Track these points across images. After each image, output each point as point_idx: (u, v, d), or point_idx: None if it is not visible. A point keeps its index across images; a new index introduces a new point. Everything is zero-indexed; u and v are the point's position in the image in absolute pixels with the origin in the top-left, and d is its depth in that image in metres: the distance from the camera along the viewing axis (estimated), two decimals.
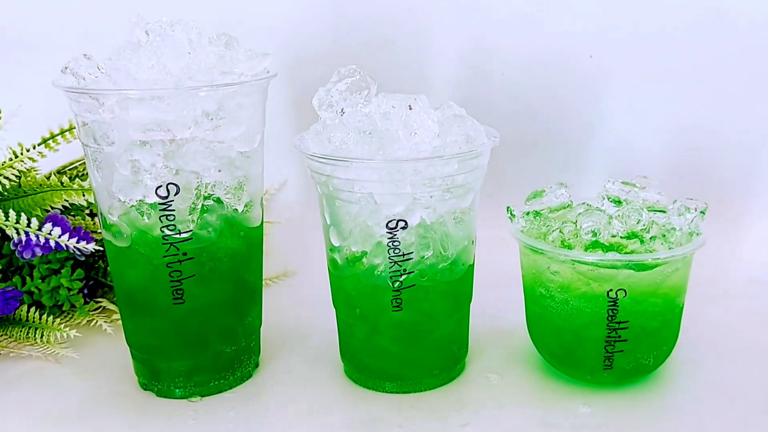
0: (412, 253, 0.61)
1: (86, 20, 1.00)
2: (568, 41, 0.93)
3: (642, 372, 0.65)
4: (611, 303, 0.61)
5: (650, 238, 0.62)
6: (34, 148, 0.79)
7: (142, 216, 0.60)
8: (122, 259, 0.63)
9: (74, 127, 0.75)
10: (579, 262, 0.61)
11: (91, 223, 0.81)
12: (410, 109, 0.59)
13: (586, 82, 0.94)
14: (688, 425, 0.61)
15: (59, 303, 0.80)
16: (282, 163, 1.01)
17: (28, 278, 0.79)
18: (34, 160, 0.79)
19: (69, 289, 0.79)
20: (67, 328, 0.74)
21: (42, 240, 0.72)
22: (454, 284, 0.64)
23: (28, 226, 0.72)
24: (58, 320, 0.76)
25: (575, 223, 0.64)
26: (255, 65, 0.62)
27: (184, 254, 0.61)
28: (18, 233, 0.72)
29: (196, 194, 0.60)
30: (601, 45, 0.93)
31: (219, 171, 0.61)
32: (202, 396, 0.66)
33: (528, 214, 0.67)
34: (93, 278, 0.84)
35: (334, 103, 0.62)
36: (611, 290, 0.60)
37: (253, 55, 0.62)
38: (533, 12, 0.93)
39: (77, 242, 0.72)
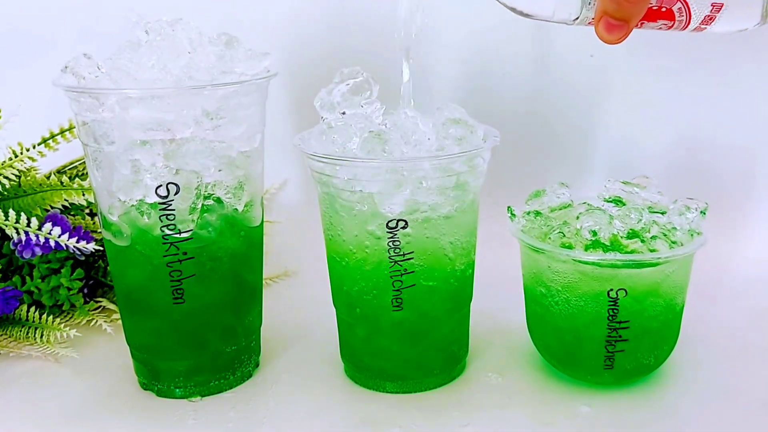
0: (413, 252, 0.61)
1: (86, 20, 1.00)
2: (569, 40, 0.93)
3: (643, 372, 0.65)
4: (612, 302, 0.61)
5: (651, 238, 0.62)
6: (34, 147, 0.79)
7: (142, 216, 0.60)
8: (122, 259, 0.63)
9: (74, 127, 0.75)
10: (579, 261, 0.61)
11: (91, 222, 0.81)
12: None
13: (587, 82, 0.94)
14: (689, 425, 0.61)
15: (59, 303, 0.80)
16: (282, 163, 1.01)
17: (28, 278, 0.79)
18: (34, 160, 0.79)
19: (69, 289, 0.79)
20: (67, 328, 0.74)
21: (42, 240, 0.72)
22: (455, 284, 0.64)
23: (28, 225, 0.72)
24: (58, 320, 0.76)
25: (577, 218, 0.64)
26: (255, 65, 0.62)
27: (184, 254, 0.61)
28: (18, 233, 0.72)
29: (196, 194, 0.60)
30: (602, 44, 0.93)
31: (219, 170, 0.61)
32: (202, 396, 0.66)
33: (528, 213, 0.67)
34: (93, 278, 0.84)
35: (335, 104, 0.62)
36: (612, 290, 0.60)
37: (252, 54, 0.62)
38: None
39: (77, 242, 0.72)
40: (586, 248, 0.62)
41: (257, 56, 0.62)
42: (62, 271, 0.80)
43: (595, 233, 0.62)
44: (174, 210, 0.60)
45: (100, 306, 0.82)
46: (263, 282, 0.72)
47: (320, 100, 0.63)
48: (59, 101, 0.62)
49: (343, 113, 0.62)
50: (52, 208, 0.77)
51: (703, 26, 0.55)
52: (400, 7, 0.61)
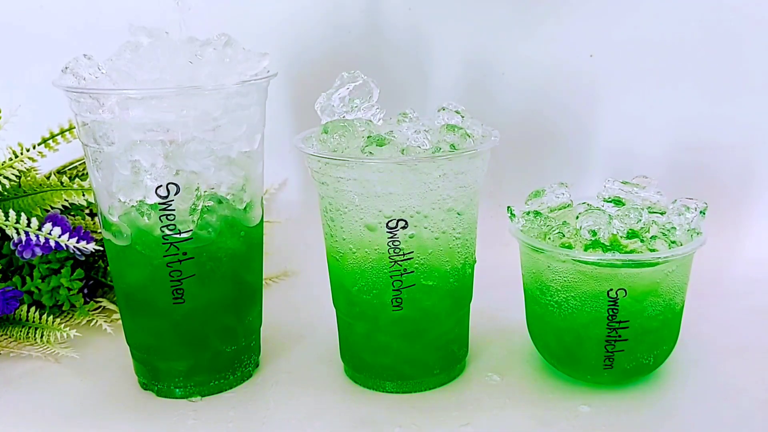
0: (413, 252, 0.61)
1: (86, 20, 1.00)
2: (569, 40, 0.93)
3: (642, 371, 0.65)
4: (611, 302, 0.61)
5: (650, 237, 0.62)
6: (34, 148, 0.79)
7: (143, 216, 0.60)
8: (122, 259, 0.63)
9: (74, 127, 0.75)
10: (579, 261, 0.61)
11: (91, 223, 0.81)
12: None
13: (587, 82, 0.94)
14: (688, 425, 0.61)
15: (59, 303, 0.80)
16: (282, 163, 1.01)
17: (28, 278, 0.79)
18: (34, 160, 0.79)
19: (69, 289, 0.79)
20: (67, 328, 0.74)
21: (42, 240, 0.72)
22: (454, 284, 0.64)
23: (28, 226, 0.72)
24: (58, 320, 0.76)
25: (577, 218, 0.64)
26: (254, 65, 0.62)
27: (184, 254, 0.61)
28: (18, 233, 0.72)
29: (196, 194, 0.60)
30: (601, 45, 0.93)
31: (219, 171, 0.61)
32: (202, 396, 0.66)
33: (528, 213, 0.67)
34: (93, 278, 0.84)
35: (335, 108, 0.62)
36: (611, 290, 0.60)
37: (251, 54, 0.62)
38: (533, 12, 0.93)
39: (77, 242, 0.72)
40: (586, 248, 0.62)
41: (256, 56, 0.62)
42: (62, 271, 0.80)
43: (594, 233, 0.62)
44: (174, 210, 0.60)
45: (100, 306, 0.82)
46: (263, 282, 0.72)
47: (320, 105, 0.63)
48: (59, 101, 0.62)
49: (343, 117, 0.62)
50: (52, 208, 0.77)
51: None
52: None
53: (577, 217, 0.64)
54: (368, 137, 0.59)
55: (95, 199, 0.64)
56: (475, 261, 0.67)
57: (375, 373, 0.66)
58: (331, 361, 0.71)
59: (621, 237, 0.62)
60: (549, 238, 0.64)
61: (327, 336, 0.74)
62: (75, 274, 0.80)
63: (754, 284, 0.86)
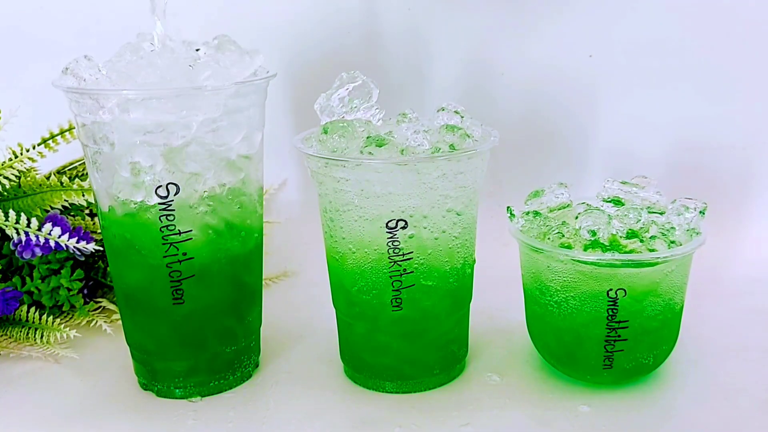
0: (412, 252, 0.61)
1: (86, 21, 1.00)
2: (568, 41, 0.93)
3: (642, 371, 0.65)
4: (611, 302, 0.61)
5: (650, 237, 0.62)
6: (34, 148, 0.79)
7: (143, 217, 0.60)
8: (122, 260, 0.63)
9: (74, 128, 0.75)
10: (578, 261, 0.61)
11: (91, 223, 0.81)
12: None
13: (586, 82, 0.94)
14: (688, 425, 0.61)
15: (59, 303, 0.80)
16: (282, 163, 1.01)
17: (28, 278, 0.79)
18: (33, 160, 0.79)
19: (69, 290, 0.80)
20: (67, 329, 0.74)
21: (42, 240, 0.72)
22: (454, 284, 0.64)
23: (28, 226, 0.72)
24: (58, 320, 0.76)
25: (576, 218, 0.64)
26: (249, 64, 0.62)
27: (184, 254, 0.61)
28: (18, 233, 0.72)
29: (196, 195, 0.60)
30: (601, 45, 0.93)
31: (219, 172, 0.61)
32: (202, 396, 0.66)
33: (528, 213, 0.67)
34: (93, 278, 0.84)
35: (335, 108, 0.62)
36: (611, 290, 0.60)
37: (245, 54, 0.62)
38: (533, 12, 0.93)
39: (77, 242, 0.72)
40: (585, 248, 0.62)
41: (250, 55, 0.62)
42: (62, 271, 0.80)
43: (593, 233, 0.62)
44: (174, 210, 0.60)
45: (100, 306, 0.82)
46: (263, 282, 0.72)
47: (320, 105, 0.63)
48: (59, 102, 0.62)
49: (343, 118, 0.62)
50: (52, 208, 0.78)
51: None
52: None
53: (577, 218, 0.64)
54: (367, 137, 0.59)
55: (95, 200, 0.64)
56: (475, 261, 0.67)
57: (375, 373, 0.66)
58: (331, 361, 0.71)
59: (620, 237, 0.62)
60: (548, 238, 0.64)
61: (327, 336, 0.74)
62: (75, 274, 0.80)
63: (754, 284, 0.86)
